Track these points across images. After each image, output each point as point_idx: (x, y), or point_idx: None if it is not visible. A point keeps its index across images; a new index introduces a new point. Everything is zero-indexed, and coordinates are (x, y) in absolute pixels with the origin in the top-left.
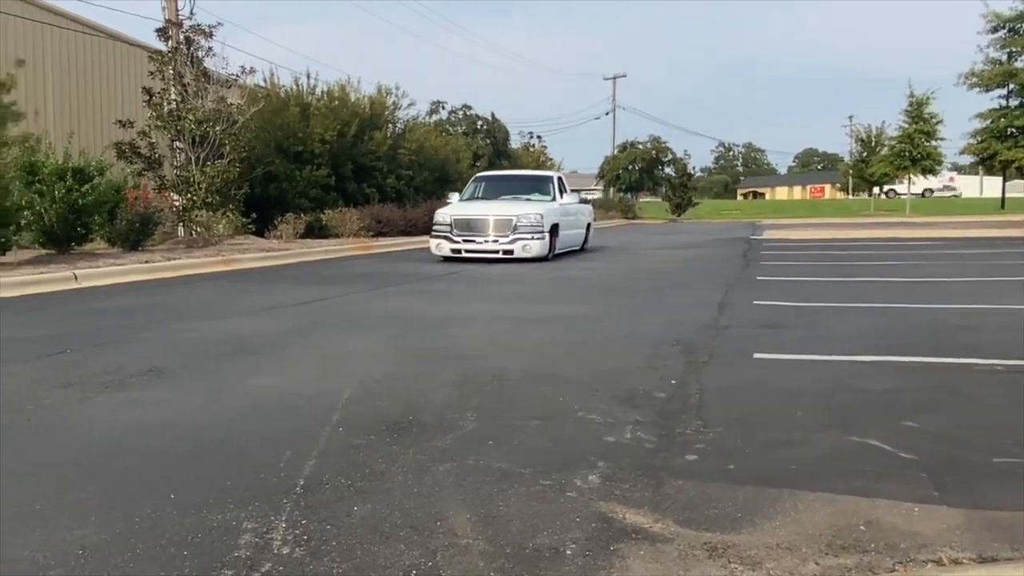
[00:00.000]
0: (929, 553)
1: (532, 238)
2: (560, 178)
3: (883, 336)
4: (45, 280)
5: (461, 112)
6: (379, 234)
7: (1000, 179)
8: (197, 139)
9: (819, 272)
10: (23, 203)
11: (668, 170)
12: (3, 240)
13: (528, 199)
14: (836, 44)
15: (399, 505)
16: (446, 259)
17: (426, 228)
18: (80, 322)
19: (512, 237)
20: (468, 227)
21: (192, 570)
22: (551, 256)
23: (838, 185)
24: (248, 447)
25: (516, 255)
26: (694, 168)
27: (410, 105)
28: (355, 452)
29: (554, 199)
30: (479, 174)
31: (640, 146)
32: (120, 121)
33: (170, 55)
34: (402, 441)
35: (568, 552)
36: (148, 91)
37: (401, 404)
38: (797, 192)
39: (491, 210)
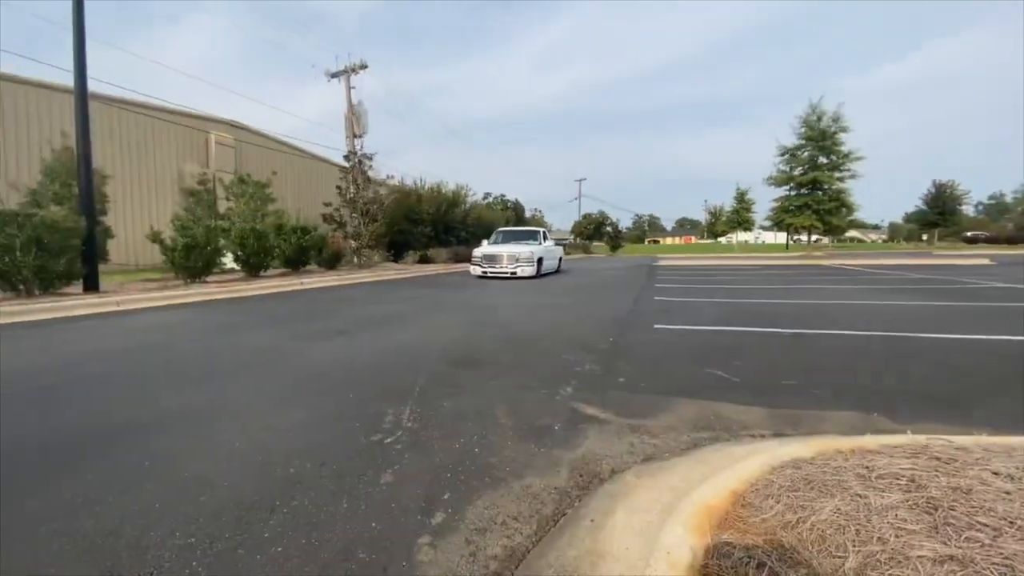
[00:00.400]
0: (748, 432)
1: (527, 265)
2: (544, 232)
3: (725, 316)
4: (286, 284)
5: (499, 197)
6: (456, 262)
7: (785, 233)
8: (363, 212)
9: (691, 282)
10: (275, 245)
11: (608, 228)
12: (265, 264)
13: (525, 243)
14: (702, 161)
15: (468, 401)
16: (479, 277)
17: None
18: (301, 306)
19: (515, 265)
20: (490, 259)
21: (361, 433)
22: (538, 275)
23: (696, 237)
24: (389, 370)
25: (517, 275)
26: (622, 227)
27: (473, 194)
28: (444, 374)
29: (540, 243)
30: (499, 229)
31: (593, 216)
32: (325, 203)
33: (350, 169)
34: (468, 369)
35: (556, 428)
36: (339, 188)
37: (466, 350)
38: (677, 240)
39: (503, 249)
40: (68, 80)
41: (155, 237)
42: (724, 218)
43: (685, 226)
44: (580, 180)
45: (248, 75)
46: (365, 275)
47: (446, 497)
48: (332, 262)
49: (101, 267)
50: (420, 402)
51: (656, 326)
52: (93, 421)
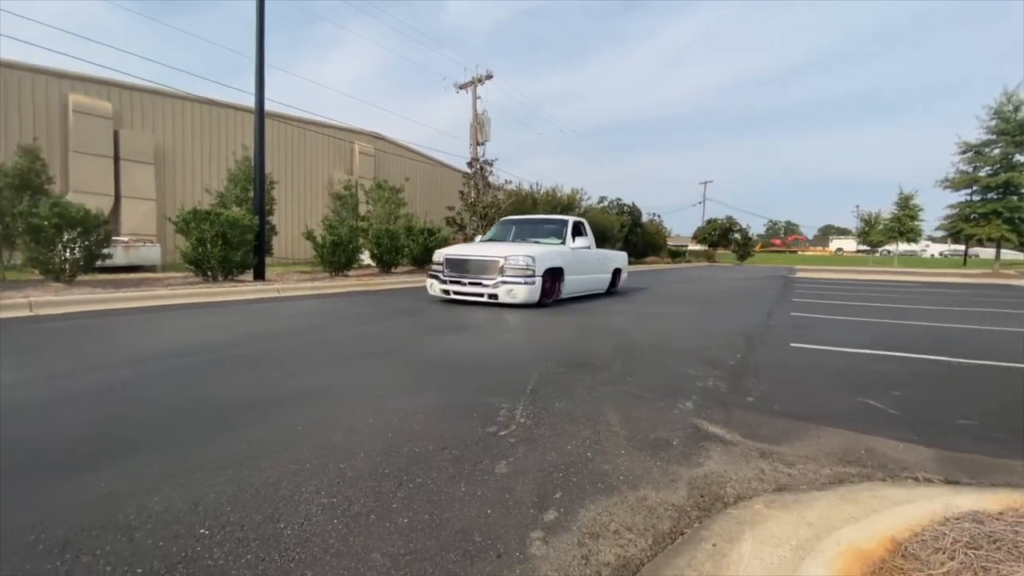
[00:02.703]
0: (910, 474)
1: (519, 281)
2: (579, 223)
3: (881, 339)
4: (413, 281)
5: (615, 201)
6: None
7: (963, 246)
8: (482, 215)
9: (836, 298)
10: (405, 245)
11: (736, 235)
12: (396, 261)
13: (537, 242)
14: (846, 160)
15: (579, 404)
16: (443, 299)
17: None
18: (424, 302)
19: (494, 280)
20: (457, 267)
21: (476, 423)
22: (548, 301)
23: (844, 246)
24: (502, 367)
25: (500, 301)
26: (752, 234)
27: (588, 198)
28: (556, 376)
29: (564, 242)
30: (505, 218)
31: (719, 220)
32: (448, 207)
33: (472, 175)
34: (580, 373)
35: (674, 442)
36: (462, 192)
37: (579, 354)
38: (821, 250)
39: (482, 252)
40: (245, 100)
41: (309, 235)
42: (881, 226)
43: (829, 234)
44: (705, 183)
45: (387, 89)
46: None
47: (558, 496)
48: None
49: (266, 260)
50: (532, 400)
51: (793, 344)
52: (260, 389)
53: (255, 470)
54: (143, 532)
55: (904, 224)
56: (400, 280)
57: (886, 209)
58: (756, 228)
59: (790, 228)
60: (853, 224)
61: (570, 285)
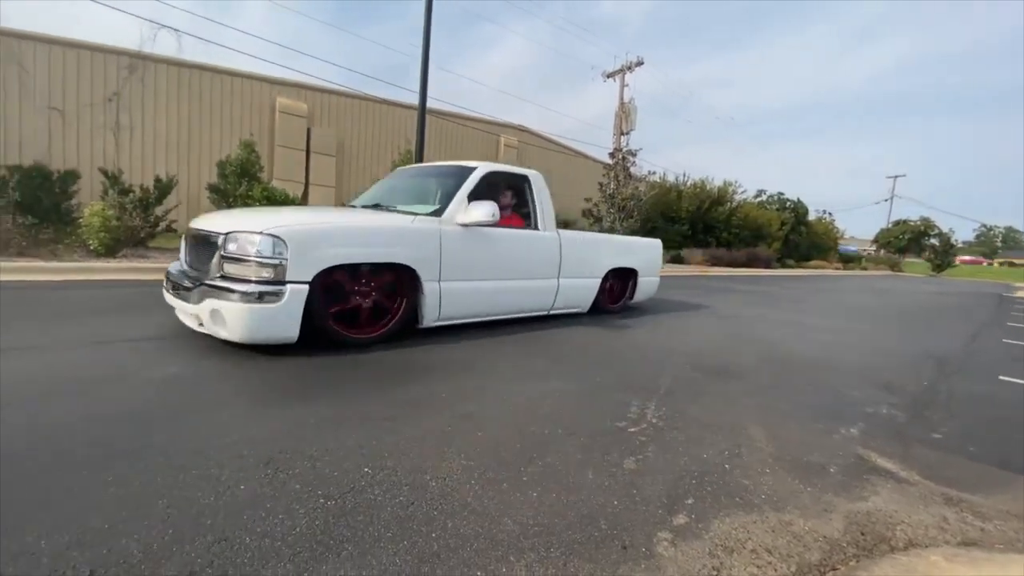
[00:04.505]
0: None
1: (240, 295)
2: (496, 175)
3: None
4: None
5: (776, 196)
6: (713, 265)
7: None
8: (621, 208)
9: None
10: None
11: (933, 240)
12: None
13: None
14: None
15: (718, 412)
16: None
17: (743, 264)
18: None
19: (210, 285)
20: (192, 256)
21: (607, 417)
22: (374, 338)
23: None
24: (633, 364)
25: (208, 329)
26: (956, 240)
27: (743, 192)
28: (693, 380)
29: (441, 211)
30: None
31: (910, 223)
32: (585, 199)
33: (613, 165)
34: (720, 380)
35: (831, 470)
36: (601, 184)
37: (719, 360)
38: None
39: (225, 222)
40: (406, 97)
41: None
42: None
43: None
44: (894, 177)
45: (536, 83)
46: None
47: (690, 502)
48: None
49: None
50: (665, 401)
51: (1003, 378)
52: (418, 357)
53: (410, 426)
54: (322, 462)
55: None
56: None
57: None
58: (963, 234)
59: (1012, 235)
60: None
61: (451, 298)
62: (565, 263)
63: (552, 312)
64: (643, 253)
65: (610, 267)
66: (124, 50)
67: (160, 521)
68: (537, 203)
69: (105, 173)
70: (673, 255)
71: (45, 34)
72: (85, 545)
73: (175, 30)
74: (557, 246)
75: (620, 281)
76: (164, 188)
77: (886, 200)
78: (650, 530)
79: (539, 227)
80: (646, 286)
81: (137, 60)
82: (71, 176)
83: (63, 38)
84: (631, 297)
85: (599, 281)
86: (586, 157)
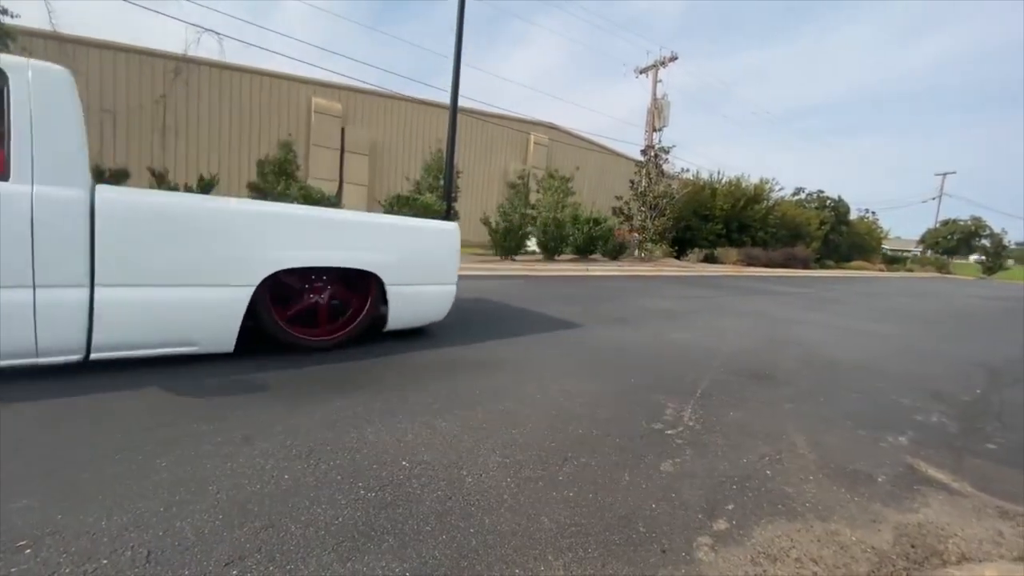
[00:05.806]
0: None
1: None
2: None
3: None
4: (575, 269)
5: (816, 194)
6: (748, 265)
7: None
8: (652, 206)
9: None
10: (569, 233)
11: (984, 241)
12: (560, 249)
13: None
14: None
15: (756, 417)
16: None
17: (780, 264)
18: (590, 290)
19: None
20: None
21: (642, 418)
22: None
23: None
24: (668, 365)
25: None
26: (1010, 242)
27: (780, 189)
28: (730, 383)
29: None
30: None
31: (960, 222)
32: (616, 196)
33: (645, 163)
34: (758, 384)
35: (879, 479)
36: (632, 181)
37: (757, 363)
38: None
39: None
40: (438, 96)
41: (485, 221)
42: None
43: None
44: (943, 175)
45: (567, 80)
46: (645, 268)
47: (730, 508)
48: (615, 253)
49: None
50: (702, 404)
51: None
52: (455, 354)
53: (442, 419)
54: (361, 455)
55: None
56: (562, 268)
57: None
58: (1016, 234)
59: None
60: None
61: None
62: (114, 254)
63: (91, 358)
64: (405, 242)
65: (285, 265)
66: (170, 53)
67: (211, 506)
68: (24, 125)
69: (153, 172)
70: (707, 254)
71: (97, 38)
72: (143, 526)
73: (217, 33)
74: (77, 215)
75: (343, 291)
76: (206, 187)
77: (933, 199)
78: (690, 535)
79: (18, 175)
80: (417, 301)
81: (182, 63)
82: (122, 175)
83: (114, 42)
84: (372, 322)
85: (248, 292)
86: (617, 154)
